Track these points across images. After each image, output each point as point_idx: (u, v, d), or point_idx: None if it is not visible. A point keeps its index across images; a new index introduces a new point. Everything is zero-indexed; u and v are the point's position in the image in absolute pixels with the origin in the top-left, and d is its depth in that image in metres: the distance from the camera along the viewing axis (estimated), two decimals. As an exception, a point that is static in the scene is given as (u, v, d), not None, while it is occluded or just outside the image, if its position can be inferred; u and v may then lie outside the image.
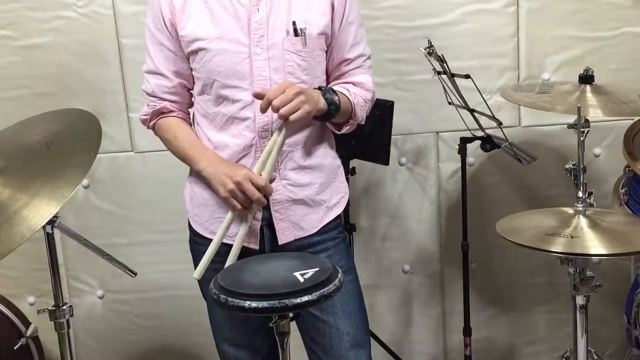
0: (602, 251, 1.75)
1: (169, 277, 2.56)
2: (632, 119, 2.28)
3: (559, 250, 1.78)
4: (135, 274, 2.02)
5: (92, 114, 1.91)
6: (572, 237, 1.81)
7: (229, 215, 1.66)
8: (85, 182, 2.47)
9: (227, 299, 1.29)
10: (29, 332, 2.29)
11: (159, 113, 1.79)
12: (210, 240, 1.68)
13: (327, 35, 1.72)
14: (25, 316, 2.36)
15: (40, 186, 1.68)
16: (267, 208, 1.71)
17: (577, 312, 1.92)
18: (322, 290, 1.29)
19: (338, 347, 1.75)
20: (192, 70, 1.74)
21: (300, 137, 1.72)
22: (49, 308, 1.85)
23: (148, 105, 1.80)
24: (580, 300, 1.91)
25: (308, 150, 1.74)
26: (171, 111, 1.79)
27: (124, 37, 2.41)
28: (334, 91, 1.71)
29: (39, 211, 1.63)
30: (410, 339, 2.64)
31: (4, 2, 2.39)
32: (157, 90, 1.78)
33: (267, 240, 1.74)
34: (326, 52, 1.75)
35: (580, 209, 1.92)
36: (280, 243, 1.74)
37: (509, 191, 2.54)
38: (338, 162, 1.83)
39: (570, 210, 1.95)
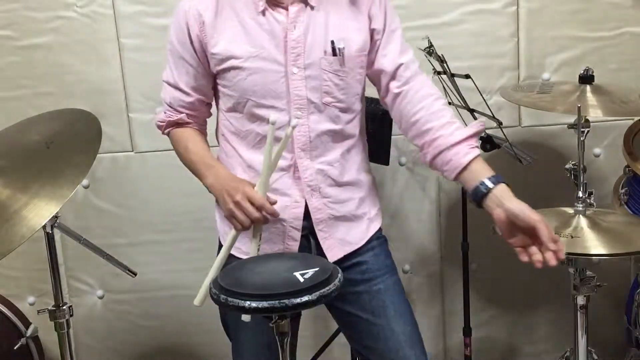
0: (602, 251, 1.75)
1: (169, 277, 2.56)
2: (632, 119, 2.29)
3: (559, 250, 1.78)
4: (135, 274, 2.02)
5: (92, 114, 1.91)
6: (572, 237, 1.81)
7: (232, 233, 1.61)
8: (85, 182, 2.47)
9: (227, 299, 1.29)
10: (29, 332, 2.29)
11: (175, 124, 1.75)
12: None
13: (366, 50, 1.65)
14: (25, 316, 2.36)
15: (40, 186, 1.68)
16: (307, 219, 1.67)
17: (577, 312, 1.93)
18: (322, 290, 1.29)
19: (395, 348, 1.69)
20: (215, 85, 1.69)
21: (337, 154, 1.67)
22: (49, 308, 1.85)
23: (165, 113, 1.76)
24: (580, 300, 1.91)
25: (345, 167, 1.70)
26: (187, 123, 1.75)
27: (124, 37, 2.41)
28: (495, 176, 1.53)
29: (39, 211, 1.63)
30: (410, 339, 2.64)
31: (4, 2, 2.39)
32: (174, 102, 1.73)
33: (313, 250, 1.70)
34: (373, 65, 1.68)
35: (580, 209, 1.92)
36: (331, 260, 1.67)
37: (509, 191, 2.54)
38: (372, 176, 1.80)
39: (570, 210, 1.95)
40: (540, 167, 2.41)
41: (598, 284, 1.90)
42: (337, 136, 1.67)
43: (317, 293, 1.28)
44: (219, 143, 1.77)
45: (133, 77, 2.43)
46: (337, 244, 1.70)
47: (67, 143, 1.82)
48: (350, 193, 1.71)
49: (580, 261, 1.86)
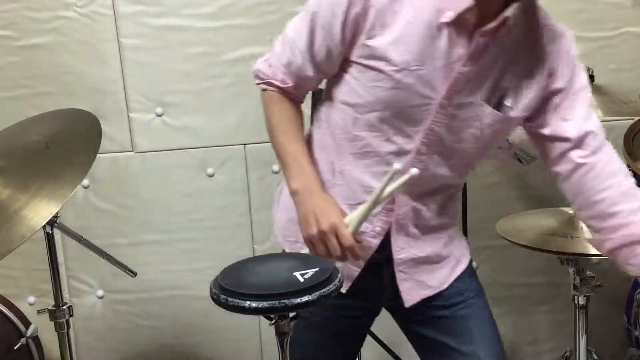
0: (602, 251, 1.75)
1: (169, 277, 2.56)
2: (632, 119, 2.29)
3: (559, 250, 1.78)
4: (135, 274, 2.02)
5: (92, 114, 1.91)
6: (572, 237, 1.82)
7: (303, 252, 1.46)
8: (85, 182, 2.47)
9: (227, 299, 1.28)
10: (29, 332, 2.28)
11: (277, 87, 1.51)
12: None
13: (529, 111, 1.43)
14: (25, 316, 2.36)
15: (40, 186, 1.68)
16: (380, 252, 1.50)
17: (577, 312, 1.93)
18: (322, 291, 1.29)
19: None
20: (342, 67, 1.45)
21: (437, 199, 1.52)
22: (49, 308, 1.85)
23: (270, 68, 1.51)
24: (580, 300, 1.91)
25: (439, 209, 1.54)
26: (289, 93, 1.51)
27: (124, 37, 2.41)
28: None
29: (39, 211, 1.63)
30: (410, 339, 2.64)
31: (4, 2, 2.39)
32: (290, 67, 1.48)
33: (387, 286, 1.55)
34: (543, 127, 1.45)
35: (580, 209, 1.92)
36: (407, 305, 1.54)
37: (509, 191, 2.54)
38: (459, 214, 1.68)
39: (570, 210, 1.95)
40: (540, 167, 2.41)
41: (598, 284, 1.90)
42: (447, 183, 1.51)
43: (317, 293, 1.28)
44: (312, 123, 1.60)
45: (133, 77, 2.43)
46: (416, 286, 1.55)
47: (67, 143, 1.81)
48: (439, 234, 1.56)
49: (580, 261, 1.86)
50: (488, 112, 1.40)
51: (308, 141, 1.56)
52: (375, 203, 1.39)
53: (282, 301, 1.26)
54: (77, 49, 2.42)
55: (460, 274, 1.60)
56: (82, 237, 1.91)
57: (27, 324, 2.33)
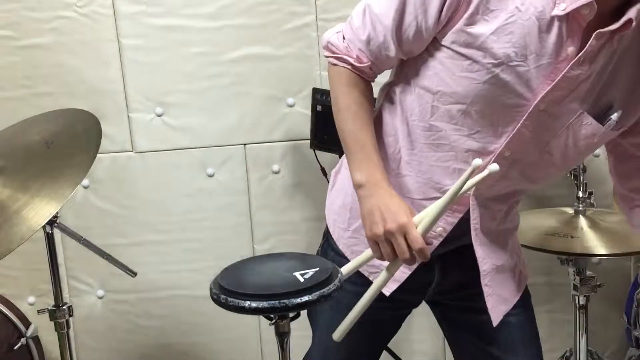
0: (602, 251, 1.76)
1: (169, 277, 2.56)
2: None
3: (559, 250, 1.79)
4: (135, 274, 2.02)
5: (92, 114, 1.91)
6: (572, 237, 1.82)
7: (366, 254, 1.36)
8: (85, 182, 2.47)
9: (227, 299, 1.29)
10: (29, 332, 2.29)
11: (351, 65, 1.36)
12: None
13: (627, 125, 1.31)
14: (25, 316, 2.36)
15: (40, 186, 1.68)
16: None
17: (577, 312, 1.93)
18: (322, 290, 1.29)
19: None
20: (427, 51, 1.29)
21: (505, 206, 1.42)
22: (49, 308, 1.85)
23: (345, 40, 1.35)
24: (580, 300, 1.92)
25: (505, 215, 1.44)
26: (362, 71, 1.37)
27: (124, 37, 2.41)
28: None
29: (39, 211, 1.63)
30: (410, 338, 2.64)
31: (4, 2, 2.38)
32: (370, 45, 1.32)
33: (430, 293, 1.49)
34: None
35: (580, 209, 1.92)
36: (495, 324, 1.43)
37: (509, 191, 2.54)
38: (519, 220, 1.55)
39: (570, 210, 1.96)
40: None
41: (598, 284, 1.90)
42: (519, 189, 1.42)
43: (317, 293, 1.28)
44: (377, 101, 1.45)
45: (133, 77, 2.43)
46: (497, 302, 1.43)
47: (67, 143, 1.82)
48: (507, 238, 1.47)
49: (580, 261, 1.87)
50: (588, 123, 1.25)
51: (376, 122, 1.41)
52: (450, 202, 1.26)
53: (282, 301, 1.26)
54: (77, 49, 2.41)
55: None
56: (82, 237, 1.91)
57: (27, 324, 2.33)
